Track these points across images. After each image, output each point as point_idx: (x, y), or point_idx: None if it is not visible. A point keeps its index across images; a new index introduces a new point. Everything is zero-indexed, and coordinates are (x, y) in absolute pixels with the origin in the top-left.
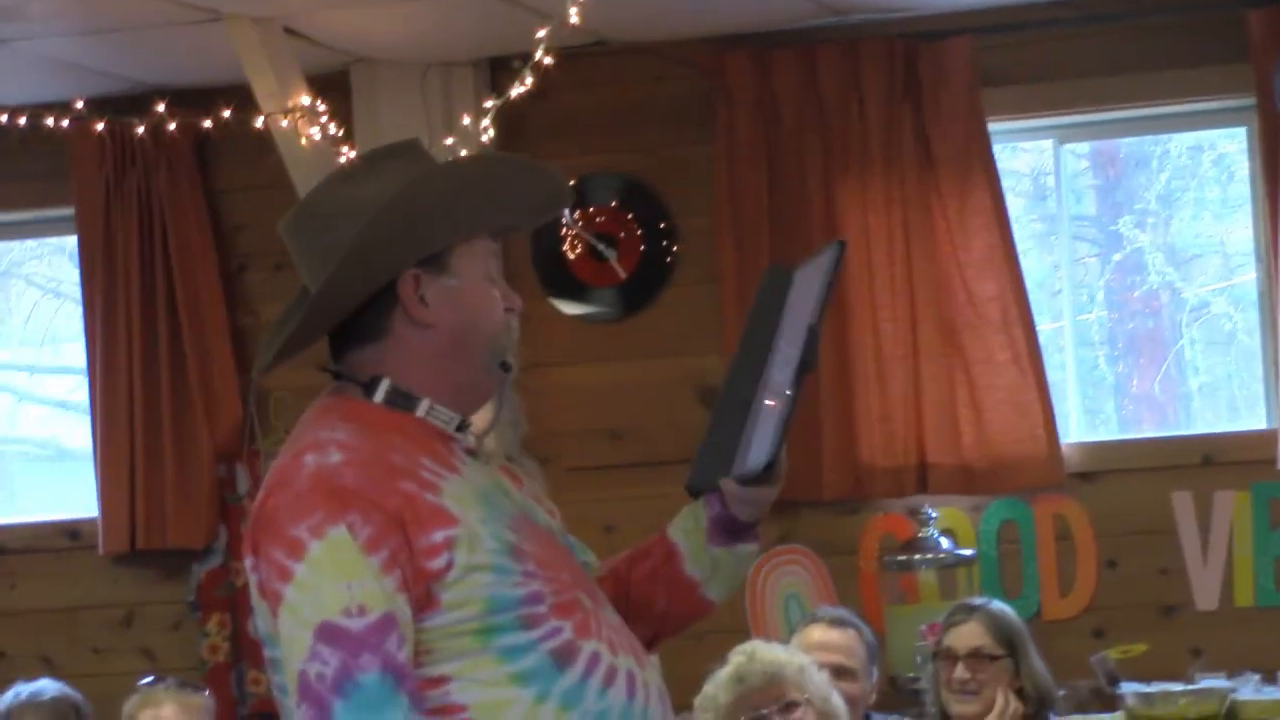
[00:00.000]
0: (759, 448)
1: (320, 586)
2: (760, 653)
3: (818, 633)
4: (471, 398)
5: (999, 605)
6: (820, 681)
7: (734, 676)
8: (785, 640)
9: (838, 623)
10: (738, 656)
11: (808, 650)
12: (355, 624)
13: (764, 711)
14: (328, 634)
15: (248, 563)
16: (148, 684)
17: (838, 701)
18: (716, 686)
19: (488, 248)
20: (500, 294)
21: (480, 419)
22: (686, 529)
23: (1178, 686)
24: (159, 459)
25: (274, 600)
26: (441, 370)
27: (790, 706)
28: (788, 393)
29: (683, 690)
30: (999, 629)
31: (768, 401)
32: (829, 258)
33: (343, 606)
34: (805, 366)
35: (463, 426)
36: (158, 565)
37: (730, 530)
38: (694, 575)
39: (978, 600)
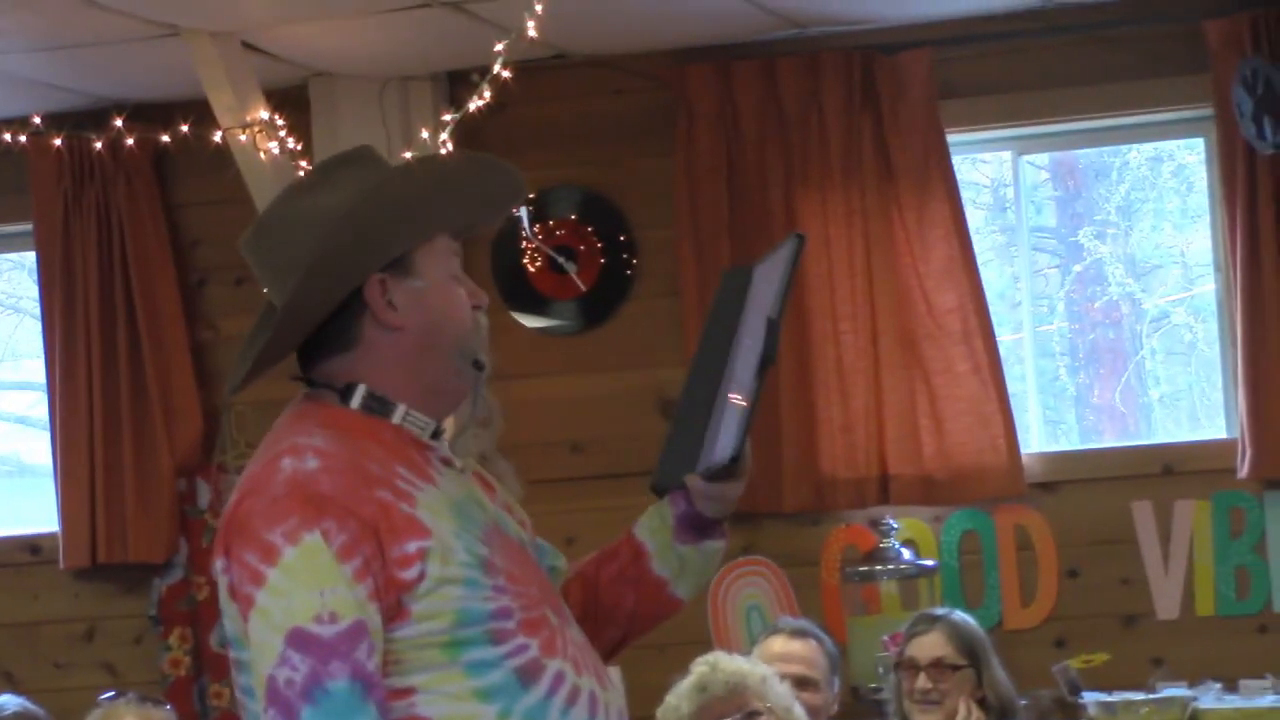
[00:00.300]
0: (724, 443)
1: (292, 593)
2: (723, 663)
3: (779, 644)
4: (445, 400)
5: (961, 615)
6: (782, 692)
7: (696, 686)
8: (746, 651)
9: (799, 633)
10: (700, 667)
11: (769, 661)
12: (326, 631)
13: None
14: (298, 640)
15: (218, 565)
16: (108, 698)
17: (800, 712)
18: (679, 697)
19: (449, 246)
20: (466, 291)
21: (451, 424)
22: (653, 528)
23: (1139, 696)
24: (119, 473)
25: (245, 604)
26: (414, 373)
27: (752, 715)
28: (751, 386)
29: (644, 701)
30: (961, 639)
31: (731, 395)
32: (788, 250)
33: (314, 613)
34: (766, 360)
35: (437, 434)
36: (119, 580)
37: (697, 527)
38: (661, 574)
39: (940, 610)
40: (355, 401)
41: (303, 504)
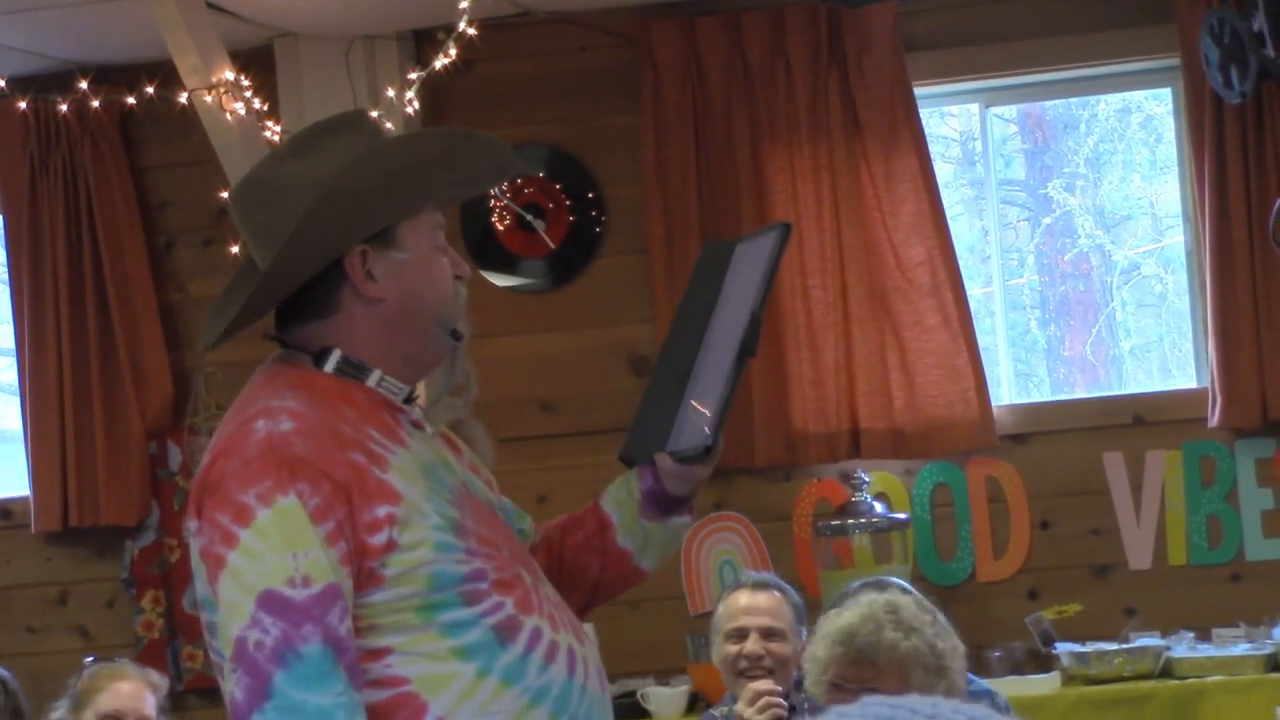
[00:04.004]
0: (696, 428)
1: (265, 555)
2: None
3: (744, 597)
4: (420, 368)
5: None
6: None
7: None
8: (714, 607)
9: (761, 586)
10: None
11: (735, 615)
12: (298, 594)
13: (871, 685)
14: (270, 602)
15: (191, 526)
16: (94, 663)
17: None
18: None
19: (434, 220)
20: (450, 261)
21: (424, 390)
22: (619, 500)
23: (1112, 646)
24: (90, 437)
25: (216, 564)
26: (391, 342)
27: (874, 691)
28: (729, 376)
29: (619, 658)
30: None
31: (697, 401)
32: (774, 239)
33: (287, 576)
34: (745, 352)
35: (410, 399)
36: (91, 543)
37: (663, 503)
38: (626, 547)
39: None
40: (329, 365)
41: (277, 466)
